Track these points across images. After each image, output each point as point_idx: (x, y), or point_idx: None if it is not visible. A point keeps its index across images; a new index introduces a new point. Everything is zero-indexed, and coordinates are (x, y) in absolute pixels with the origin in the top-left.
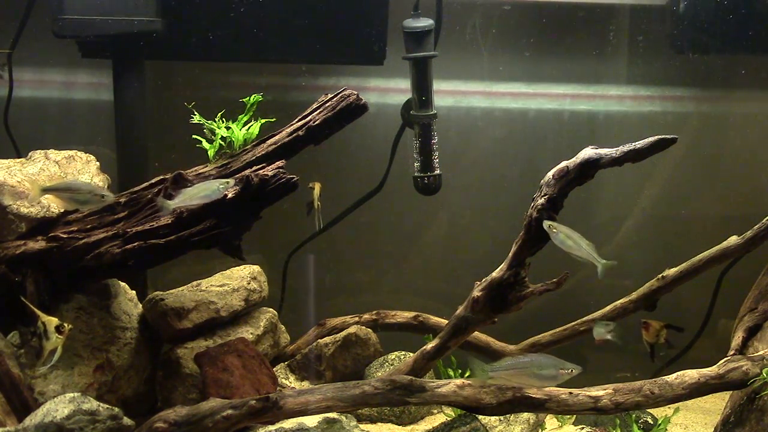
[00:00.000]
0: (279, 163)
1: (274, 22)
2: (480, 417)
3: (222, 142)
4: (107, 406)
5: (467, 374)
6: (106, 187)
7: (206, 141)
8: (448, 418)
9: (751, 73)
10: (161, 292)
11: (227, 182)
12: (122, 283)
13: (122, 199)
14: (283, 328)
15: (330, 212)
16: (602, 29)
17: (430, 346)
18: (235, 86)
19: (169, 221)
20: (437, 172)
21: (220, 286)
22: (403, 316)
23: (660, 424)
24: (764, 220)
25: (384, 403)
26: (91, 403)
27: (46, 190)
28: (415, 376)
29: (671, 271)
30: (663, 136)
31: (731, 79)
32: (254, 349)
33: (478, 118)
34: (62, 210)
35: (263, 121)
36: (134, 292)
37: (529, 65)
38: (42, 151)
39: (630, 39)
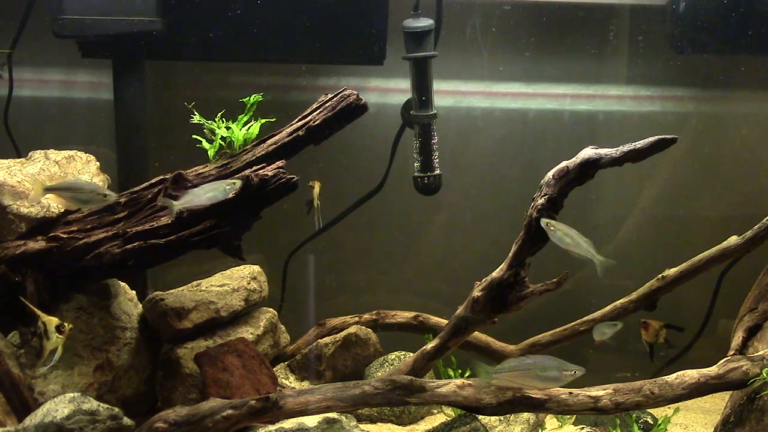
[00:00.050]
0: (279, 163)
1: (274, 22)
2: (480, 417)
3: (222, 142)
4: (107, 406)
5: (467, 374)
6: (106, 187)
7: (206, 141)
8: (448, 418)
9: (751, 73)
10: (161, 292)
11: (234, 183)
12: (122, 283)
13: (122, 199)
14: (283, 328)
15: (330, 212)
16: (602, 29)
17: (430, 346)
18: (235, 86)
19: (169, 221)
20: (437, 172)
21: (220, 286)
22: (403, 316)
23: (660, 424)
24: (764, 220)
25: (384, 403)
26: (91, 403)
27: (48, 190)
28: (415, 376)
29: (671, 271)
30: (663, 136)
31: (731, 79)
32: (254, 349)
33: (478, 118)
34: (63, 210)
35: (263, 121)
36: (134, 292)
37: (529, 65)
38: (42, 151)
39: (630, 39)
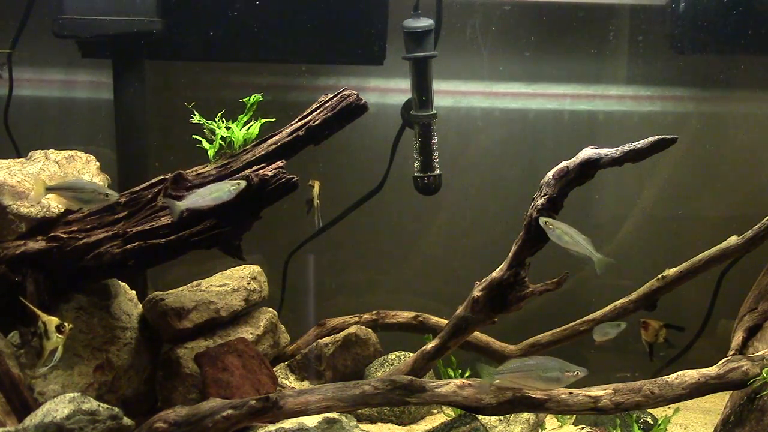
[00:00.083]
0: (279, 163)
1: (274, 22)
2: (480, 417)
3: (222, 142)
4: (107, 406)
5: (467, 374)
6: (106, 187)
7: (206, 141)
8: (448, 418)
9: (751, 73)
10: (161, 292)
11: (238, 183)
12: (122, 283)
13: (122, 199)
14: (283, 328)
15: (330, 212)
16: (602, 29)
17: (430, 346)
18: (235, 86)
19: (169, 221)
20: (437, 172)
21: (220, 286)
22: (403, 316)
23: (660, 424)
24: (764, 220)
25: (384, 403)
26: (91, 403)
27: (50, 189)
28: (415, 376)
29: (671, 271)
30: (663, 136)
31: (731, 79)
32: (254, 349)
33: (478, 118)
34: (63, 210)
35: (263, 121)
36: (134, 292)
37: (529, 65)
38: (42, 151)
39: (630, 39)
